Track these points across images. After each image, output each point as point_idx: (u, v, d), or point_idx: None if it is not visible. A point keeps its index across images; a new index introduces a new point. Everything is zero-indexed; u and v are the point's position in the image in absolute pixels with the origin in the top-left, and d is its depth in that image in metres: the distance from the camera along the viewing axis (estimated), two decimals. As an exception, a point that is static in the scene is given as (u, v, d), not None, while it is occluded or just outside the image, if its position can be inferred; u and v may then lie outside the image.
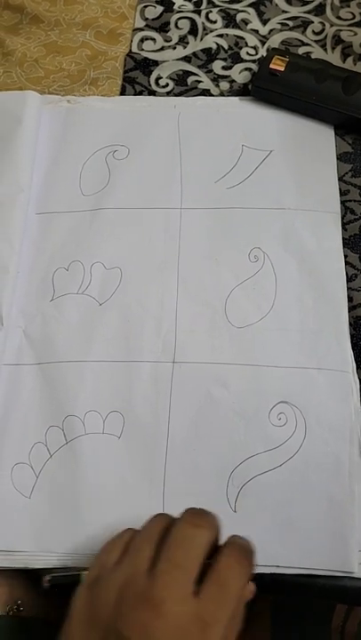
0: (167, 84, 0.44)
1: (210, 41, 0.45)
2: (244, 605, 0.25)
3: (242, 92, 0.43)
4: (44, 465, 0.32)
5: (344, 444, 0.32)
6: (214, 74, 0.44)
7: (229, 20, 0.45)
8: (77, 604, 0.24)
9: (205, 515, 0.26)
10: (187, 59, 0.44)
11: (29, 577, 0.31)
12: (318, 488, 0.31)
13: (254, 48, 0.45)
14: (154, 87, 0.44)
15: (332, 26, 0.45)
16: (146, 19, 0.46)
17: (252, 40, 0.45)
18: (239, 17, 0.45)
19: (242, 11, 0.46)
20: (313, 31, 0.45)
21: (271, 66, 0.40)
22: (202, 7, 0.46)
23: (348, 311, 0.35)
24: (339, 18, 0.45)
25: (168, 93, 0.43)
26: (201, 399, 0.33)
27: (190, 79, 0.44)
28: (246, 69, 0.44)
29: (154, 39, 0.45)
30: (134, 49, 0.45)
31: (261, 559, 0.30)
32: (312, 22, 0.45)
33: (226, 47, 0.45)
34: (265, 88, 0.41)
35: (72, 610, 0.24)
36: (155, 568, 0.23)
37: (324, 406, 0.33)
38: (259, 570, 0.30)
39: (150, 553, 0.24)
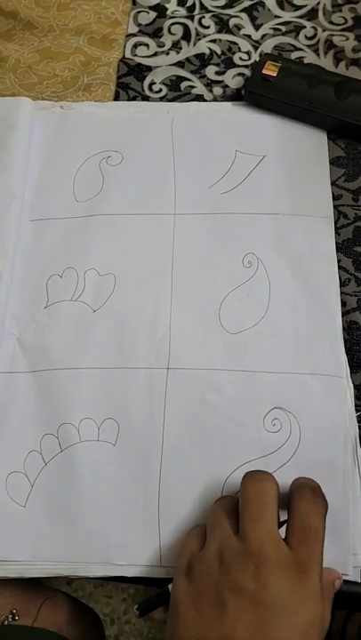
0: (160, 90, 0.44)
1: (203, 46, 0.45)
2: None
3: (235, 97, 0.43)
4: (39, 473, 0.32)
5: (338, 449, 0.32)
6: (207, 79, 0.44)
7: (222, 25, 0.46)
8: (180, 593, 0.26)
9: (264, 471, 0.28)
10: (180, 64, 0.44)
11: None
12: (313, 493, 0.31)
13: (247, 53, 0.45)
14: (147, 92, 0.44)
15: (324, 31, 0.45)
16: (139, 24, 0.46)
17: (244, 45, 0.45)
18: (232, 22, 0.46)
19: (235, 16, 0.46)
20: (305, 36, 0.45)
21: (264, 71, 0.41)
22: (195, 12, 0.46)
23: (342, 316, 0.35)
24: (331, 23, 0.45)
25: (161, 99, 0.43)
26: (195, 405, 0.33)
27: (184, 84, 0.44)
28: (239, 74, 0.44)
29: (147, 45, 0.46)
30: (128, 54, 0.45)
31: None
32: (304, 27, 0.45)
33: (219, 52, 0.45)
34: (258, 93, 0.41)
35: (175, 601, 0.26)
36: (240, 530, 0.26)
37: (319, 412, 0.33)
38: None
39: (230, 521, 0.27)
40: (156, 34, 0.46)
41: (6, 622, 0.31)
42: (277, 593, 0.23)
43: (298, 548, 0.25)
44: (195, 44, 0.45)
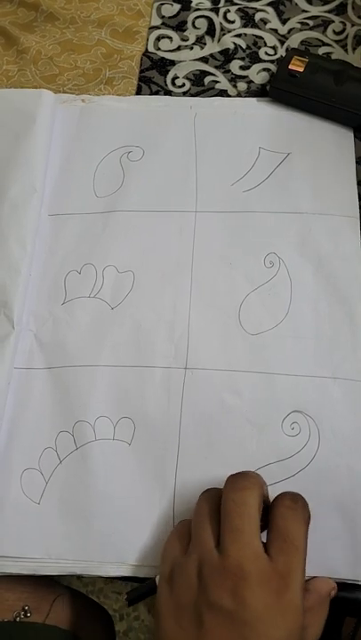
0: (183, 84, 0.43)
1: (228, 41, 0.44)
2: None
3: (260, 92, 0.42)
4: (54, 471, 0.32)
5: (358, 455, 0.32)
6: (232, 74, 0.43)
7: (248, 19, 0.45)
8: (162, 599, 0.26)
9: (246, 475, 0.27)
10: (204, 59, 0.44)
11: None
12: (331, 499, 0.31)
13: (273, 48, 0.44)
14: (170, 87, 0.43)
15: (353, 25, 0.44)
16: (162, 16, 0.46)
17: (270, 40, 0.44)
18: (258, 16, 0.45)
19: (261, 10, 0.45)
20: (333, 31, 0.44)
21: (290, 66, 0.40)
22: (220, 5, 0.45)
23: (365, 319, 0.35)
24: (360, 17, 0.44)
25: (184, 93, 0.43)
26: (213, 406, 0.33)
27: (207, 79, 0.43)
28: (265, 70, 0.43)
29: (170, 38, 0.45)
30: (150, 48, 0.45)
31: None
32: (333, 22, 0.44)
33: (244, 47, 0.44)
34: (283, 89, 0.40)
35: (158, 607, 0.26)
36: (221, 542, 0.25)
37: (339, 416, 0.32)
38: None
39: (211, 530, 0.26)
40: (179, 27, 0.45)
41: (18, 619, 0.31)
42: (256, 609, 0.23)
43: (277, 558, 0.24)
44: (219, 40, 0.44)
